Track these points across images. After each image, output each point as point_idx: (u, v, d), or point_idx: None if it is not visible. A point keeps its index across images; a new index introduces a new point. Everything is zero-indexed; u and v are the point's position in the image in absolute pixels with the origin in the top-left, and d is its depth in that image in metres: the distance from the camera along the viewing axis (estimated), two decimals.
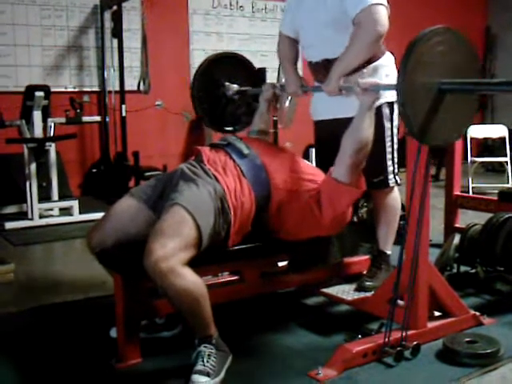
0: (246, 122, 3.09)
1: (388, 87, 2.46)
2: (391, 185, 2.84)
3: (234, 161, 2.48)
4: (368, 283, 2.86)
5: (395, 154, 2.83)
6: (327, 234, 2.71)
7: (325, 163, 2.65)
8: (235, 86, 3.07)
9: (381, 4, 2.54)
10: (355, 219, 3.22)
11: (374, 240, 2.96)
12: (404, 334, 2.36)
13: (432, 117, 2.15)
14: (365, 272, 2.98)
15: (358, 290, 2.87)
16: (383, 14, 2.53)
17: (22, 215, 5.19)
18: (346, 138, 2.46)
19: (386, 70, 2.74)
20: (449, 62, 2.18)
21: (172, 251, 2.09)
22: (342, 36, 2.61)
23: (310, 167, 2.70)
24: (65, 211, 5.30)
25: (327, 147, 2.71)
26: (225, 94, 3.08)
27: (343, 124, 2.50)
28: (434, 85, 2.14)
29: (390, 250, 2.93)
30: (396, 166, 2.84)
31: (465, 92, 2.24)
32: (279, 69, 5.85)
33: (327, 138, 2.80)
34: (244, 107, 3.12)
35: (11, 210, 5.39)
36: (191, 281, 2.13)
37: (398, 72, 2.11)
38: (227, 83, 3.08)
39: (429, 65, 2.13)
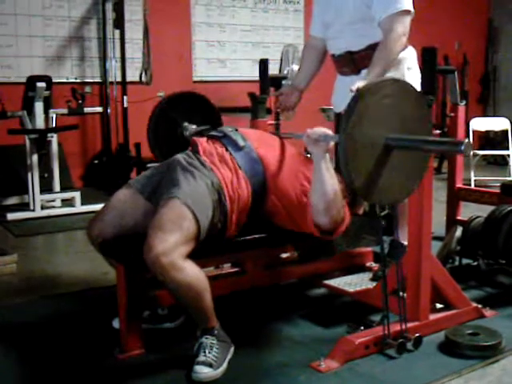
0: None
1: (334, 138, 2.19)
2: None
3: (230, 153, 2.44)
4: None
5: None
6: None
7: None
8: (194, 127, 2.93)
9: (407, 12, 2.58)
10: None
11: (380, 232, 2.94)
12: (404, 326, 2.36)
13: (378, 174, 2.00)
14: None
15: (373, 279, 2.85)
16: (407, 26, 2.58)
17: (24, 206, 5.18)
18: (312, 196, 2.34)
19: (409, 62, 2.77)
20: (397, 115, 2.03)
21: (172, 246, 2.09)
22: (364, 29, 2.68)
23: (308, 161, 2.66)
24: (67, 202, 5.31)
25: None
26: (183, 134, 2.94)
27: None
28: (380, 139, 1.99)
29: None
30: None
31: (412, 149, 2.08)
32: (281, 59, 5.84)
33: None
34: None
35: (13, 201, 5.38)
36: (192, 274, 2.14)
37: (341, 125, 1.97)
38: (185, 123, 2.94)
39: (375, 118, 1.97)
